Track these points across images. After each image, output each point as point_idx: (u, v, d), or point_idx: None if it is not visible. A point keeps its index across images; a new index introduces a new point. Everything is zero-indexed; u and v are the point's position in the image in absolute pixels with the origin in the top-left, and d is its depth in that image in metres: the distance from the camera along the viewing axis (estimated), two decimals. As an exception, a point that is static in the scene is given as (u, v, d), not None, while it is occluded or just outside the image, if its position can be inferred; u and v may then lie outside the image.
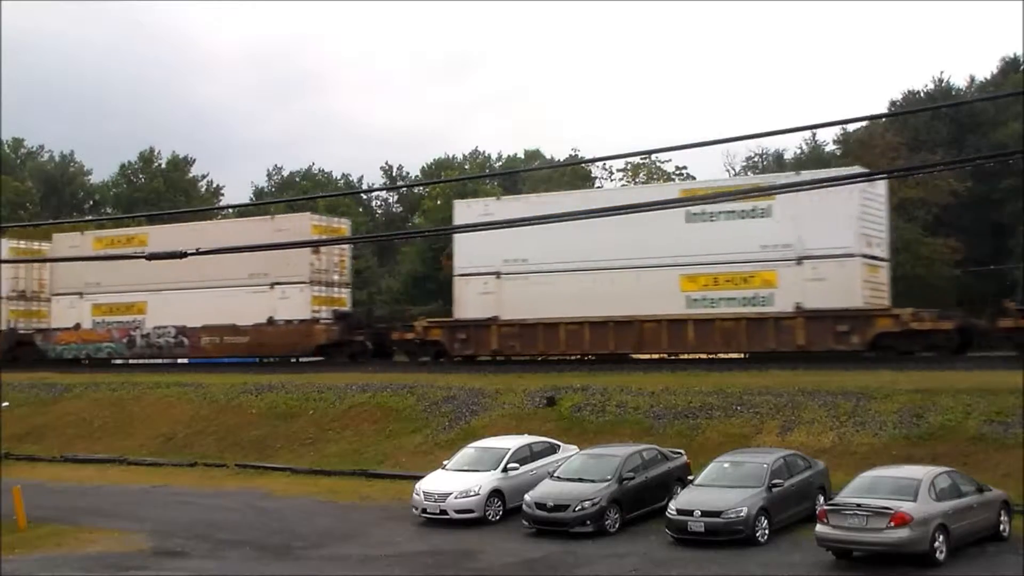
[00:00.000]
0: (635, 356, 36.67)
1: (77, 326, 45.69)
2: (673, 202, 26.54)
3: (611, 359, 35.76)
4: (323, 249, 41.52)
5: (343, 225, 46.52)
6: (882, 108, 66.72)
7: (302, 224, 41.48)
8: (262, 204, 72.30)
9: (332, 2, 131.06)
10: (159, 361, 46.16)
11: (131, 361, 46.78)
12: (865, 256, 32.30)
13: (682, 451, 23.43)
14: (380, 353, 41.03)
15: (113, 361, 46.27)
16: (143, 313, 44.55)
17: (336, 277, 43.37)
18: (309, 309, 41.32)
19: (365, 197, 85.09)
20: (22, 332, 48.69)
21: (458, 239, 39.08)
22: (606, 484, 20.64)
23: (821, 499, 19.94)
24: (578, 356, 37.13)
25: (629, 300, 34.45)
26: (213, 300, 42.21)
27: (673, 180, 66.86)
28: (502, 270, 37.08)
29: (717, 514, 18.89)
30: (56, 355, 45.91)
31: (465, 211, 39.62)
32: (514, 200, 42.36)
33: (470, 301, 37.72)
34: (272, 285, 41.62)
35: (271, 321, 41.74)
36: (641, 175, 70.16)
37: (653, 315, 34.22)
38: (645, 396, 28.19)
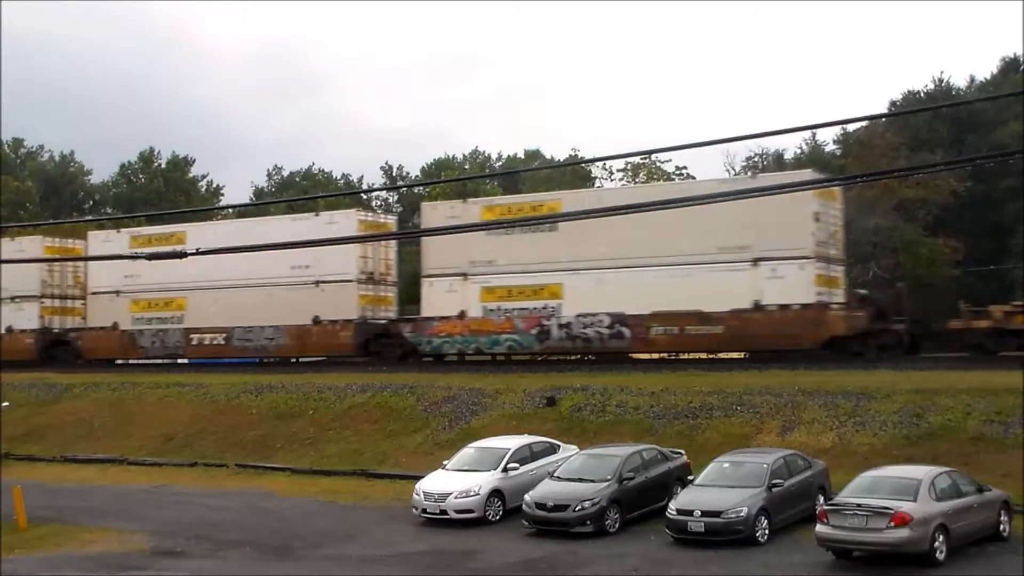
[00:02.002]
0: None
1: (462, 315, 36.91)
2: (673, 202, 26.52)
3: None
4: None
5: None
6: (882, 108, 66.70)
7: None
8: (262, 204, 72.33)
9: (333, 2, 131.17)
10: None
11: (526, 356, 38.36)
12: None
13: (682, 451, 23.43)
14: (913, 348, 33.14)
15: (512, 357, 37.70)
16: (557, 297, 35.82)
17: None
18: (813, 291, 32.35)
19: (365, 197, 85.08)
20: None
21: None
22: (606, 484, 20.64)
23: (821, 499, 19.94)
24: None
25: None
26: (663, 280, 33.64)
27: (673, 180, 66.86)
28: None
29: (717, 514, 18.89)
30: (433, 349, 37.94)
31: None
32: None
33: None
34: (755, 261, 32.66)
35: (758, 306, 32.79)
36: (641, 175, 70.12)
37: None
38: (645, 396, 28.19)
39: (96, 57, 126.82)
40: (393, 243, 42.07)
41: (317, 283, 40.00)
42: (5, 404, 37.25)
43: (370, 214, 44.39)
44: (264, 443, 31.15)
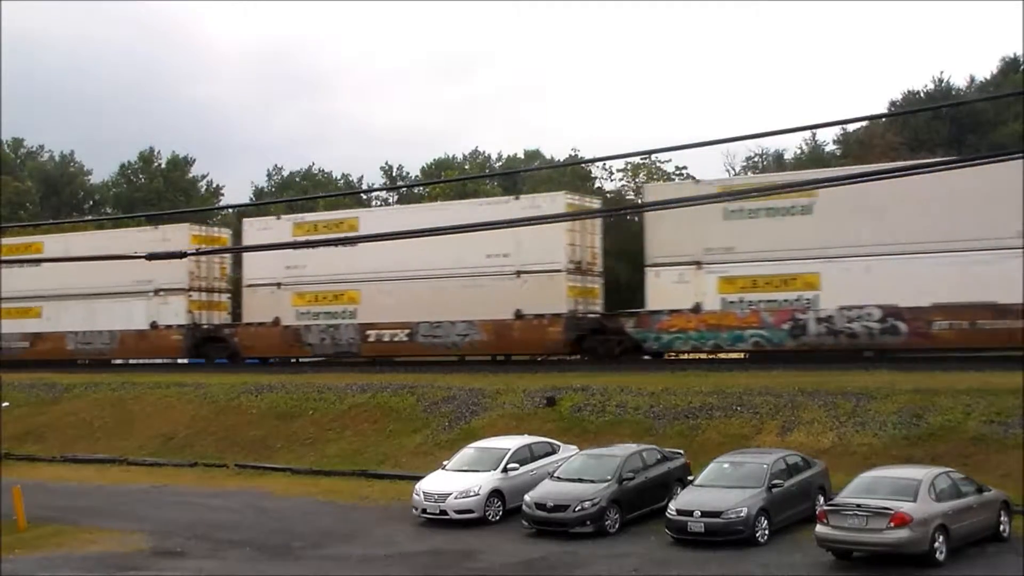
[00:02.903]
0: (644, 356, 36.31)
1: (697, 308, 33.33)
2: (676, 202, 26.59)
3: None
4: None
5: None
6: (882, 108, 66.80)
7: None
8: (262, 204, 72.32)
9: (333, 2, 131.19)
10: (161, 361, 45.17)
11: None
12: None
13: (682, 451, 23.44)
14: None
15: (762, 352, 33.15)
16: (813, 288, 31.91)
17: None
18: None
19: (365, 197, 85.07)
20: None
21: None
22: (606, 484, 20.64)
23: (821, 499, 19.94)
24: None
25: None
26: (945, 268, 29.70)
27: (673, 180, 66.85)
28: None
29: (717, 514, 18.89)
30: (662, 346, 34.53)
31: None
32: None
33: None
34: None
35: None
36: (641, 175, 70.10)
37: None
38: (645, 396, 28.19)
39: (96, 57, 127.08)
40: (599, 230, 37.80)
41: (518, 273, 35.87)
42: (5, 404, 37.22)
43: (577, 196, 39.95)
44: (264, 443, 31.15)
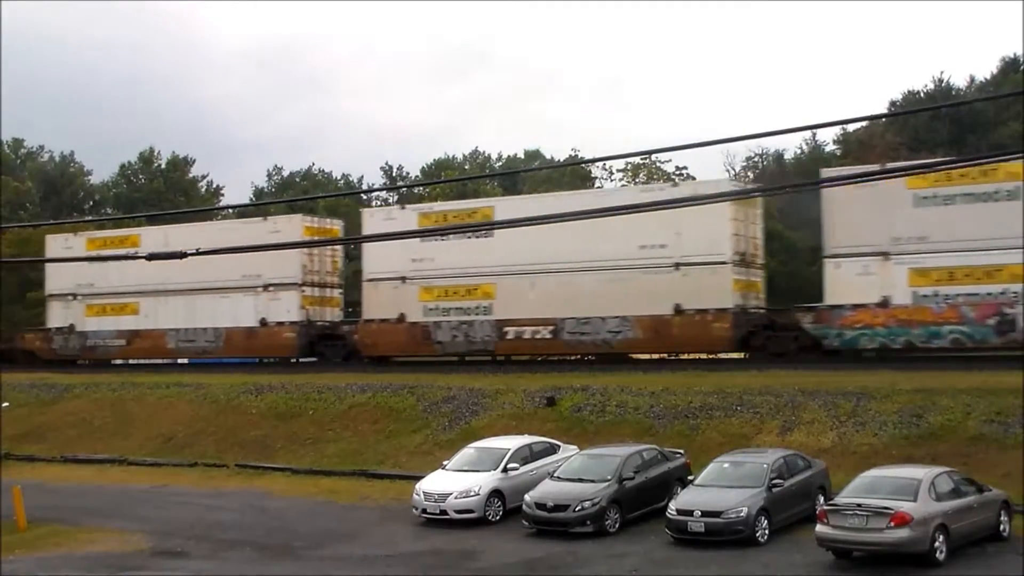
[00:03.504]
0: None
1: (885, 302, 30.76)
2: (675, 202, 26.55)
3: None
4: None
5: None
6: (882, 108, 66.79)
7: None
8: (262, 204, 72.31)
9: (333, 2, 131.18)
10: (161, 361, 45.14)
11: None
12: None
13: (682, 451, 23.44)
14: None
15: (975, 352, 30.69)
16: (1020, 281, 29.12)
17: None
18: None
19: (365, 197, 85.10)
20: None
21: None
22: (606, 484, 20.64)
23: (821, 499, 19.93)
24: None
25: None
26: None
27: (673, 180, 66.88)
28: None
29: (717, 514, 18.89)
30: (845, 343, 31.68)
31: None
32: None
33: None
34: None
35: None
36: (641, 175, 70.18)
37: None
38: (645, 396, 28.18)
39: (96, 57, 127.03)
40: (760, 219, 35.46)
41: (677, 265, 33.42)
42: (5, 404, 37.23)
43: (737, 183, 37.76)
44: (264, 443, 31.14)
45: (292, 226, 40.50)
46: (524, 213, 32.44)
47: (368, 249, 39.94)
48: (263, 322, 41.34)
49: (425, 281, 37.64)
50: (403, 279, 38.02)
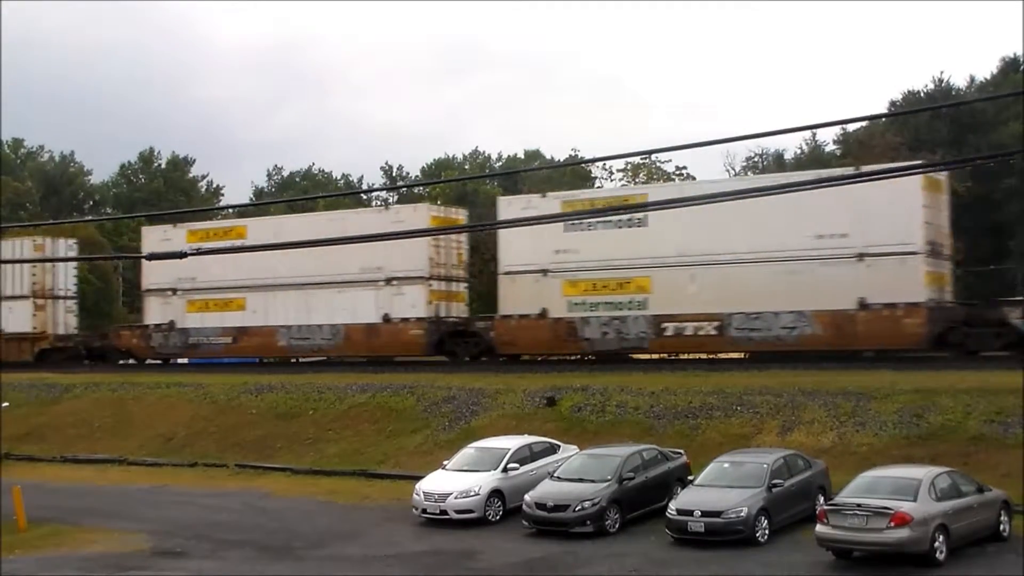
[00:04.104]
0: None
1: None
2: (675, 202, 26.60)
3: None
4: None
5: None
6: (882, 108, 66.77)
7: None
8: (262, 204, 72.36)
9: (333, 2, 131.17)
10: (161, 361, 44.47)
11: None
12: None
13: (682, 451, 23.43)
14: None
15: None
16: None
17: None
18: None
19: (365, 197, 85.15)
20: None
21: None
22: (606, 484, 20.63)
23: (821, 499, 19.93)
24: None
25: None
26: None
27: (673, 180, 66.90)
28: None
29: (717, 514, 18.89)
30: None
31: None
32: None
33: None
34: None
35: None
36: (641, 175, 70.20)
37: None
38: (645, 396, 28.18)
39: (96, 57, 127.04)
40: (947, 207, 32.88)
41: (860, 256, 31.01)
42: (5, 404, 37.22)
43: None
44: (264, 443, 31.14)
45: (418, 216, 38.03)
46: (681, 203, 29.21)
47: (506, 241, 36.89)
48: (386, 318, 38.27)
49: (570, 274, 35.06)
50: (544, 272, 35.50)
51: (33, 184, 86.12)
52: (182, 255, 16.41)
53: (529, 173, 73.31)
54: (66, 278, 48.29)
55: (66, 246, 48.40)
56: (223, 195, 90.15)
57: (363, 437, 30.02)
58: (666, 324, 33.68)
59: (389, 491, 25.45)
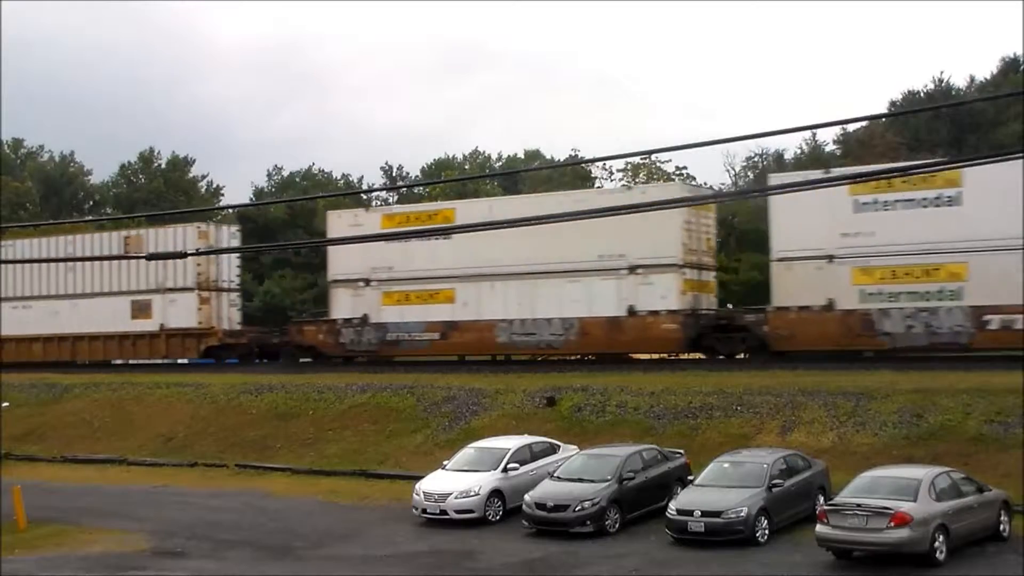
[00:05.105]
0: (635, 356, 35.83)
1: None
2: (674, 202, 26.60)
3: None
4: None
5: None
6: (882, 108, 66.77)
7: None
8: (262, 204, 72.33)
9: (333, 2, 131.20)
10: (161, 361, 43.75)
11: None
12: None
13: (682, 451, 23.44)
14: None
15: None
16: None
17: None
18: None
19: (365, 197, 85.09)
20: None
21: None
22: (606, 484, 20.64)
23: (821, 499, 19.94)
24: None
25: None
26: None
27: (673, 180, 66.88)
28: None
29: (717, 514, 18.90)
30: None
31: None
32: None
33: None
34: None
35: None
36: (641, 175, 70.16)
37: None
38: (645, 396, 28.19)
39: (96, 57, 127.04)
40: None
41: None
42: (5, 404, 37.21)
43: None
44: (264, 443, 31.15)
45: (669, 195, 33.77)
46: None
47: (781, 224, 32.52)
48: (631, 311, 34.15)
49: (862, 260, 31.03)
50: (830, 258, 31.44)
51: (33, 184, 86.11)
52: (182, 255, 16.36)
53: (529, 173, 73.30)
54: (229, 268, 44.04)
55: (229, 234, 44.87)
56: (223, 195, 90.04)
57: (363, 437, 30.03)
58: (990, 316, 29.31)
59: (389, 491, 25.46)
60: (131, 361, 45.25)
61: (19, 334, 45.78)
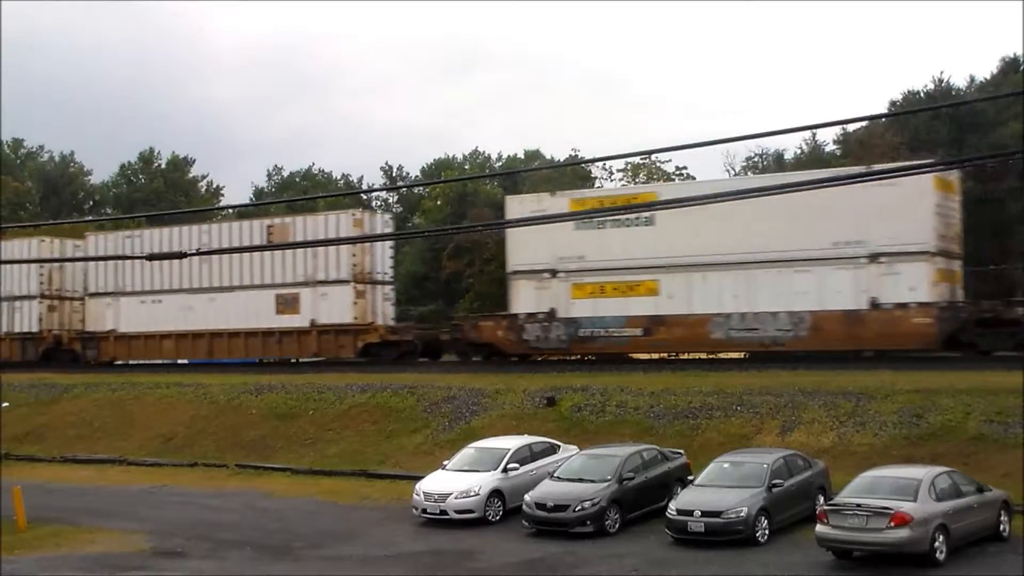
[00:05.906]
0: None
1: None
2: (692, 199, 26.62)
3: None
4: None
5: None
6: (882, 108, 66.68)
7: None
8: (262, 204, 72.34)
9: (333, 2, 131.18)
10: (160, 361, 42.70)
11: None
12: None
13: (682, 451, 23.44)
14: None
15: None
16: None
17: None
18: None
19: (365, 197, 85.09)
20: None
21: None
22: (606, 484, 20.64)
23: (821, 499, 19.94)
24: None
25: None
26: None
27: (673, 180, 66.90)
28: None
29: (717, 514, 18.89)
30: None
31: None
32: None
33: None
34: None
35: None
36: (641, 175, 70.19)
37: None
38: (645, 396, 28.19)
39: (96, 57, 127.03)
40: None
41: None
42: (5, 404, 37.22)
43: None
44: (264, 443, 31.14)
45: (922, 184, 30.22)
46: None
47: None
48: (874, 304, 31.27)
49: None
50: None
51: (33, 184, 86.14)
52: (182, 255, 16.37)
53: (529, 173, 73.31)
54: (383, 259, 40.71)
55: (383, 222, 42.73)
56: (223, 195, 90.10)
57: (363, 437, 30.03)
58: None
59: (389, 491, 25.45)
60: (278, 360, 41.48)
61: (148, 330, 42.73)
